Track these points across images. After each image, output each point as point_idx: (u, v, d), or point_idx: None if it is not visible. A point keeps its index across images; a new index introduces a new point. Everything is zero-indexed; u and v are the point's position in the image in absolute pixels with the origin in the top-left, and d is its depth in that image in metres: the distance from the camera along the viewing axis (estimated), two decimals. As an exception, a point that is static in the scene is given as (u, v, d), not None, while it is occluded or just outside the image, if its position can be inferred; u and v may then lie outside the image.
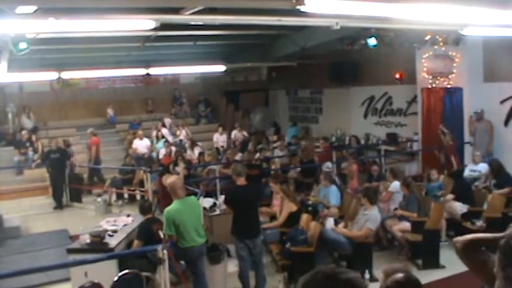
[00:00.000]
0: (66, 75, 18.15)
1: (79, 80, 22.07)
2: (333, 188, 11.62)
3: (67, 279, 8.45)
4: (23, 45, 10.44)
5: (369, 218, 9.49)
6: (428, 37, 14.52)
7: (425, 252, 9.79)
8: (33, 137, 19.63)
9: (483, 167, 12.89)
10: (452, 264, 9.08)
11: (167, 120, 22.23)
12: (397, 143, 17.78)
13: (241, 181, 8.60)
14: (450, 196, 11.44)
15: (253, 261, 8.67)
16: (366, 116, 20.02)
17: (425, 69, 15.64)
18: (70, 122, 22.16)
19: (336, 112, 21.40)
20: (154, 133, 20.54)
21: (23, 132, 19.82)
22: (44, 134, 20.58)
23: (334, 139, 20.15)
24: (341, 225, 10.10)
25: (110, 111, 22.55)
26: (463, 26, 10.62)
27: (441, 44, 14.81)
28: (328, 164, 14.71)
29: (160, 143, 19.54)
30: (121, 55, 18.71)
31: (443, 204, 10.75)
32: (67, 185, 16.56)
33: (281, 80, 23.81)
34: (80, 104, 22.66)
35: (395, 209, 10.77)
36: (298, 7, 6.82)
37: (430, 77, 15.56)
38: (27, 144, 19.27)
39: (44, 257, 10.86)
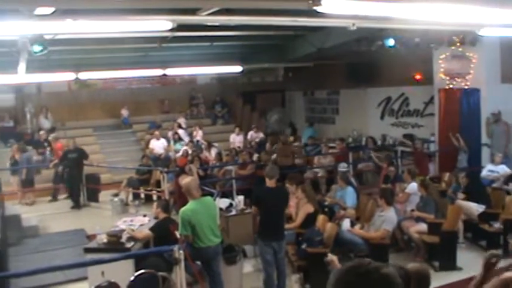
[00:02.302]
0: (84, 75, 18.27)
1: (96, 81, 22.16)
2: (349, 189, 11.58)
3: (84, 278, 8.50)
4: (41, 46, 10.51)
5: (386, 219, 9.47)
6: (445, 38, 14.46)
7: (442, 254, 9.74)
8: (51, 137, 19.74)
9: (502, 169, 12.83)
10: (469, 266, 9.04)
11: (182, 121, 22.28)
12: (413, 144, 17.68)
13: (271, 183, 8.51)
14: (461, 195, 11.41)
15: (276, 264, 8.53)
16: (382, 117, 19.97)
17: (442, 70, 15.58)
18: (87, 122, 22.26)
19: (352, 113, 21.35)
20: (170, 133, 20.58)
21: (41, 132, 19.97)
22: (61, 134, 20.68)
23: (350, 140, 20.08)
24: (357, 226, 10.09)
25: (124, 112, 22.63)
26: (480, 27, 10.57)
27: (458, 44, 14.75)
28: (344, 164, 14.68)
29: (179, 144, 19.59)
30: (138, 56, 18.78)
31: (459, 205, 10.70)
32: (84, 184, 16.64)
33: (298, 80, 23.79)
34: (97, 105, 22.77)
35: (412, 210, 10.72)
36: (314, 8, 6.82)
37: (447, 77, 15.49)
38: (45, 144, 19.39)
39: (61, 256, 10.92)
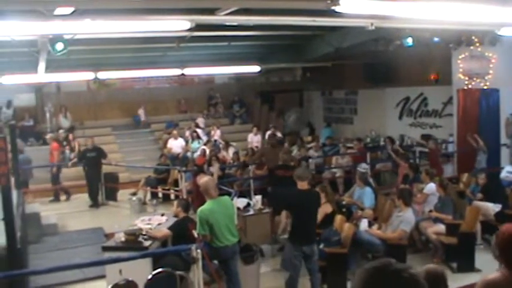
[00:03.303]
0: (103, 75, 18.38)
1: (115, 80, 22.28)
2: (368, 189, 11.54)
3: (102, 277, 8.54)
4: (60, 46, 10.56)
5: (403, 219, 9.43)
6: (464, 38, 14.38)
7: (460, 255, 9.68)
8: (70, 136, 19.88)
9: (522, 170, 12.76)
10: (487, 267, 8.94)
11: (200, 120, 22.35)
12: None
13: (302, 185, 8.31)
14: (479, 195, 11.34)
15: (309, 268, 8.38)
16: (401, 117, 19.90)
17: (461, 70, 15.47)
18: (106, 122, 22.43)
19: (370, 113, 21.29)
20: (187, 133, 20.65)
21: (60, 131, 20.11)
22: (80, 133, 20.83)
23: (368, 140, 20.02)
24: (375, 226, 10.06)
25: (141, 112, 22.73)
26: (499, 26, 10.51)
27: (477, 44, 14.66)
28: (364, 165, 14.63)
29: (197, 143, 19.64)
30: (156, 55, 18.86)
31: (477, 206, 10.64)
32: (103, 183, 16.74)
33: (315, 80, 23.77)
34: (116, 104, 22.91)
35: (430, 211, 10.67)
36: (332, 7, 6.82)
37: (466, 78, 15.39)
38: (64, 143, 19.53)
39: (79, 254, 10.99)
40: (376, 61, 19.10)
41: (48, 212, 14.26)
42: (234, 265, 8.01)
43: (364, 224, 9.93)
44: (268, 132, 21.05)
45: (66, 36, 10.81)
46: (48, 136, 17.77)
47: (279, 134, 21.03)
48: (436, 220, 10.35)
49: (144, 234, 8.73)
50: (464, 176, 13.58)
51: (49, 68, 15.25)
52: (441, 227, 10.13)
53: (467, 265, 9.54)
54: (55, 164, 17.34)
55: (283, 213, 11.08)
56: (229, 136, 21.02)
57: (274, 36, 16.92)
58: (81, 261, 9.67)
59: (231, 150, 18.27)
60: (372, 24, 9.71)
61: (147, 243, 8.52)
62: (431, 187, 11.11)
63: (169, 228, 8.62)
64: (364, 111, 21.95)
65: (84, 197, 16.53)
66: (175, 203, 9.63)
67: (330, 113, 24.14)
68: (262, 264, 9.56)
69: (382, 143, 19.00)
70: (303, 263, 8.27)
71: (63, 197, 17.13)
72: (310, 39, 18.24)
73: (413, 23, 10.90)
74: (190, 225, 8.50)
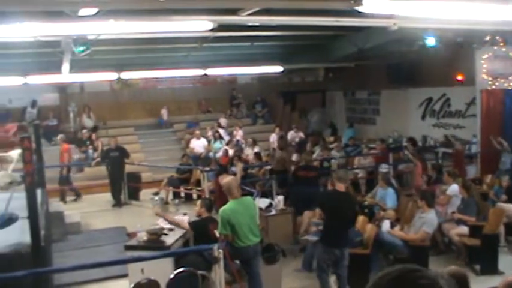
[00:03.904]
0: (126, 75, 18.52)
1: (137, 80, 22.41)
2: (390, 190, 11.51)
3: (124, 275, 8.59)
4: (84, 46, 10.66)
5: (426, 221, 9.38)
6: (488, 37, 14.26)
7: (484, 258, 9.60)
8: (93, 136, 20.05)
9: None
10: (511, 270, 8.90)
11: (223, 121, 22.40)
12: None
13: (339, 187, 8.23)
14: (503, 197, 11.25)
15: (337, 273, 8.33)
16: (423, 117, 19.79)
17: (484, 70, 15.34)
18: (129, 122, 22.55)
19: (393, 113, 21.19)
20: (209, 133, 20.70)
21: (84, 131, 20.31)
22: (103, 133, 20.98)
23: (391, 141, 19.93)
24: (397, 227, 10.01)
25: (164, 112, 22.84)
26: (524, 26, 10.41)
27: (501, 44, 14.53)
28: (384, 165, 14.59)
29: (219, 143, 19.69)
30: (179, 56, 18.92)
31: (500, 208, 10.55)
32: (125, 183, 16.84)
33: (338, 81, 23.71)
34: (139, 104, 23.03)
35: (453, 212, 10.59)
36: (355, 8, 6.81)
37: (490, 78, 15.26)
38: (87, 142, 19.71)
39: (102, 253, 11.06)
40: (399, 61, 19.01)
41: (72, 210, 14.36)
42: (256, 265, 8.01)
43: (386, 225, 9.89)
44: (291, 132, 21.12)
45: (89, 37, 10.92)
46: (59, 137, 17.76)
47: (301, 135, 21.05)
48: (459, 222, 10.28)
49: (164, 234, 8.77)
50: (488, 178, 13.48)
51: (73, 68, 15.38)
52: (464, 229, 10.06)
53: (490, 267, 9.46)
54: (68, 164, 17.42)
55: (306, 213, 11.09)
56: (252, 136, 21.02)
57: (297, 37, 16.91)
58: (104, 260, 9.75)
59: (256, 149, 18.27)
60: (394, 24, 9.68)
61: (168, 242, 8.55)
62: (454, 188, 11.03)
63: (190, 224, 8.62)
64: (386, 111, 21.85)
65: (107, 196, 16.63)
66: (198, 202, 9.61)
67: (352, 113, 24.07)
68: (284, 265, 9.56)
69: (404, 144, 18.90)
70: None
71: (69, 198, 17.08)
72: (333, 40, 18.20)
73: (437, 23, 10.83)
74: (211, 225, 8.52)
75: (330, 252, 8.04)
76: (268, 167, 15.58)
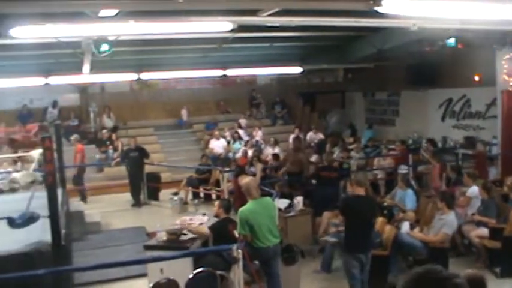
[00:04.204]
0: (145, 76, 18.60)
1: (157, 81, 22.50)
2: (409, 191, 11.46)
3: (144, 275, 8.62)
4: (104, 47, 10.72)
5: (446, 222, 9.32)
6: (508, 38, 14.16)
7: (504, 260, 9.49)
8: (113, 136, 20.17)
9: None
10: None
11: (243, 121, 22.44)
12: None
13: (359, 191, 8.10)
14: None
15: (361, 279, 8.08)
16: (443, 118, 19.68)
17: (505, 71, 15.21)
18: (148, 122, 22.66)
19: (413, 114, 21.11)
20: (227, 133, 20.74)
21: (104, 131, 20.44)
22: (123, 133, 21.10)
23: (410, 142, 19.84)
24: (417, 229, 9.96)
25: (184, 113, 22.91)
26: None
27: (523, 45, 14.42)
28: (403, 166, 14.52)
29: (238, 144, 19.72)
30: (198, 56, 18.97)
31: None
32: (145, 183, 16.92)
33: (357, 81, 23.65)
34: (158, 104, 23.13)
35: (473, 214, 10.52)
36: (375, 8, 6.79)
37: (511, 79, 15.13)
38: (108, 142, 19.83)
39: (122, 253, 11.12)
40: (419, 62, 18.91)
41: (92, 210, 14.45)
42: (275, 266, 8.01)
43: (405, 226, 9.85)
44: (310, 133, 21.09)
45: (110, 38, 10.98)
46: (73, 137, 17.82)
47: (320, 135, 21.01)
48: (479, 224, 10.19)
49: (184, 233, 8.80)
50: (509, 179, 13.34)
51: (93, 69, 15.47)
52: (484, 231, 9.97)
53: (510, 270, 9.36)
54: (85, 164, 17.51)
55: (325, 214, 11.07)
56: (271, 137, 21.01)
57: (316, 37, 16.88)
58: (124, 259, 9.81)
59: (277, 149, 18.27)
60: (414, 24, 9.64)
61: (187, 241, 8.58)
62: (474, 190, 10.95)
63: (210, 227, 8.66)
64: (406, 112, 21.77)
65: (127, 196, 16.71)
66: (216, 203, 9.63)
67: (372, 114, 24.01)
68: (303, 266, 9.56)
69: (424, 145, 18.81)
70: None
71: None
72: (352, 40, 18.15)
73: (457, 24, 10.76)
74: (231, 226, 8.53)
75: (356, 258, 7.87)
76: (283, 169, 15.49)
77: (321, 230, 10.96)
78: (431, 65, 18.74)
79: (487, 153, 16.17)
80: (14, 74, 16.98)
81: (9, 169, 15.92)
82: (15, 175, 10.70)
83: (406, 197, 11.29)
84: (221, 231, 8.48)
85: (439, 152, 17.21)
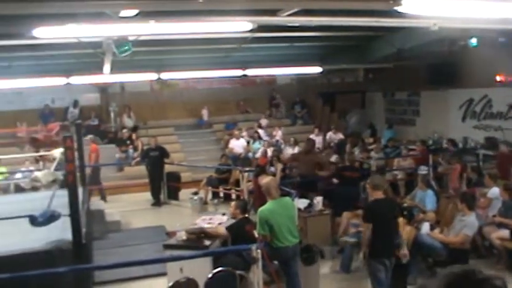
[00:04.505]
0: (165, 76, 18.67)
1: (177, 81, 22.56)
2: (430, 192, 11.39)
3: (163, 274, 8.64)
4: (125, 47, 10.79)
5: (466, 224, 9.25)
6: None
7: (526, 262, 9.45)
8: (134, 136, 20.27)
9: None
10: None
11: (263, 121, 22.45)
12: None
13: (378, 194, 7.87)
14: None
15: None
16: (464, 119, 19.56)
17: (527, 70, 15.11)
18: (169, 122, 22.72)
19: (433, 115, 20.98)
20: (244, 133, 20.74)
21: (124, 130, 20.56)
22: (143, 133, 21.19)
23: (431, 142, 19.73)
24: (437, 230, 9.91)
25: (205, 112, 22.97)
26: None
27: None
28: (423, 167, 14.45)
29: (257, 144, 19.73)
30: (218, 56, 19.01)
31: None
32: (165, 182, 16.98)
33: (378, 81, 23.56)
34: (179, 104, 23.18)
35: (494, 215, 10.44)
36: (395, 8, 6.78)
37: (534, 79, 15.03)
38: (128, 142, 19.93)
39: (141, 251, 11.14)
40: (440, 62, 18.81)
41: (112, 209, 14.53)
42: (294, 266, 8.00)
43: (425, 227, 9.80)
44: (330, 133, 21.04)
45: (130, 38, 11.05)
46: (88, 137, 17.83)
47: (340, 135, 20.96)
48: (500, 225, 10.12)
49: (202, 233, 8.82)
50: (531, 180, 13.26)
51: (114, 69, 15.56)
52: (505, 233, 9.89)
53: (532, 272, 9.30)
54: (97, 164, 17.55)
55: (345, 214, 11.05)
56: (291, 137, 20.99)
57: (336, 37, 16.87)
58: (143, 258, 9.86)
59: (297, 149, 18.27)
60: (435, 24, 9.59)
61: (207, 242, 8.61)
62: (495, 191, 10.86)
63: (227, 228, 8.68)
64: (426, 112, 21.65)
65: (147, 195, 16.78)
66: (232, 204, 9.65)
67: (392, 114, 23.90)
68: (322, 266, 9.55)
69: (444, 145, 18.69)
70: None
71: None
72: (372, 40, 18.11)
73: (478, 23, 10.68)
74: (248, 226, 8.55)
75: (381, 262, 7.69)
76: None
77: (340, 230, 10.94)
78: (452, 64, 18.64)
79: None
80: (36, 74, 17.16)
81: (31, 168, 16.10)
82: (37, 174, 10.81)
83: (426, 198, 11.22)
84: (238, 231, 8.50)
85: (460, 152, 17.10)
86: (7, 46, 14.07)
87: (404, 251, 7.93)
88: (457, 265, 2.09)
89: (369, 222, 7.69)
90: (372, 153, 17.65)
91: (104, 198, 16.85)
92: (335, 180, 13.57)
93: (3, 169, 17.53)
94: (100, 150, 17.78)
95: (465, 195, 10.00)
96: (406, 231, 9.18)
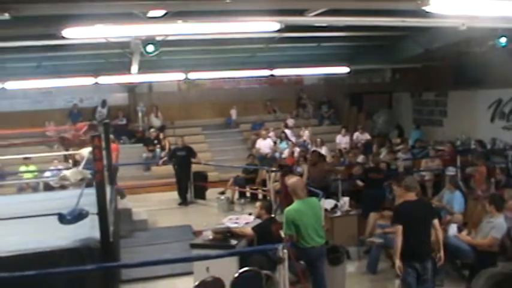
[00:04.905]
0: (193, 76, 18.74)
1: (204, 81, 22.63)
2: (457, 193, 11.28)
3: (189, 273, 8.66)
4: (152, 47, 10.85)
5: (495, 226, 9.14)
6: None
7: (555, 265, 9.32)
8: (161, 135, 20.39)
9: None
10: None
11: (290, 121, 22.44)
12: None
13: (410, 196, 7.65)
14: None
15: None
16: (492, 119, 19.34)
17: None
18: (196, 121, 22.82)
19: (461, 115, 20.77)
20: (271, 133, 20.74)
21: (151, 130, 20.68)
22: (170, 133, 21.30)
23: (459, 143, 19.56)
24: (464, 232, 9.82)
25: (233, 113, 23.03)
26: None
27: None
28: (451, 168, 14.34)
29: (284, 144, 19.73)
30: (245, 56, 19.04)
31: None
32: (192, 182, 17.04)
33: (405, 82, 23.43)
34: (206, 104, 23.26)
35: (523, 217, 10.31)
36: (423, 7, 6.74)
37: None
38: (155, 142, 20.05)
39: (168, 250, 11.21)
40: (468, 62, 18.63)
41: (139, 208, 14.62)
42: (320, 266, 7.99)
43: (453, 229, 9.71)
44: (357, 134, 20.96)
45: (158, 38, 11.11)
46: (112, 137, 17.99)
47: (366, 136, 20.88)
48: (530, 227, 9.99)
49: (229, 233, 8.85)
50: (562, 182, 13.10)
51: (141, 69, 15.68)
52: (535, 235, 9.78)
53: (561, 274, 9.16)
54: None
55: (371, 215, 11.01)
56: (318, 137, 20.94)
57: (364, 37, 16.80)
58: (170, 257, 9.92)
59: (323, 150, 18.24)
60: (463, 24, 9.52)
61: (234, 241, 8.63)
62: (524, 193, 10.74)
63: (253, 228, 8.70)
64: (454, 113, 21.44)
65: (174, 194, 16.86)
66: (257, 204, 9.65)
67: (419, 115, 23.72)
68: (348, 266, 9.53)
69: (472, 146, 18.51)
70: None
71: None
72: (399, 40, 18.00)
73: (507, 22, 10.57)
74: (273, 226, 8.56)
75: (411, 266, 7.45)
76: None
77: (367, 231, 10.90)
78: (481, 64, 18.43)
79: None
80: (64, 74, 17.35)
81: (60, 166, 16.27)
82: (65, 172, 10.87)
83: (454, 199, 11.12)
84: (264, 231, 8.53)
85: (488, 153, 16.94)
86: (36, 46, 14.26)
87: (441, 254, 7.81)
88: (502, 264, 2.08)
89: (398, 224, 7.52)
90: (399, 154, 17.54)
91: (122, 195, 16.94)
92: (360, 183, 13.54)
93: (33, 168, 17.78)
94: (126, 150, 17.91)
95: (494, 196, 9.87)
96: (433, 232, 9.11)
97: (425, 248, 7.55)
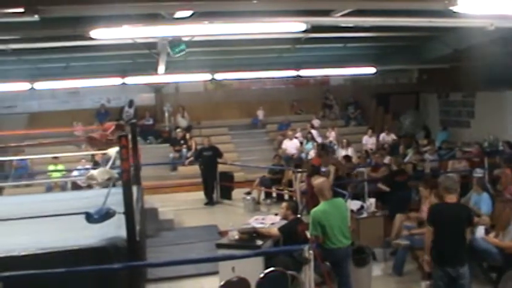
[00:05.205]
0: (219, 76, 18.80)
1: (231, 81, 22.68)
2: (485, 195, 11.17)
3: (215, 273, 8.69)
4: (179, 48, 10.90)
5: (523, 228, 9.06)
6: None
7: None
8: (187, 135, 20.48)
9: None
10: None
11: (316, 122, 22.39)
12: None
13: (450, 198, 7.30)
14: None
15: None
16: (521, 120, 19.16)
17: None
18: (222, 122, 22.89)
19: (489, 116, 20.56)
20: (298, 134, 20.73)
21: (178, 130, 20.77)
22: (197, 133, 21.39)
23: (486, 144, 19.35)
24: (492, 234, 9.72)
25: (260, 113, 23.06)
26: None
27: None
28: (478, 169, 14.20)
29: (310, 144, 19.70)
30: (272, 57, 19.05)
31: None
32: (218, 182, 17.09)
33: (432, 82, 23.26)
34: (233, 104, 23.32)
35: (552, 220, 10.18)
36: (450, 7, 6.69)
37: None
38: (182, 142, 20.14)
39: (194, 250, 11.26)
40: (496, 62, 18.42)
41: (166, 208, 14.69)
42: (346, 267, 7.98)
43: (480, 231, 9.62)
44: (383, 134, 20.86)
45: (184, 38, 11.16)
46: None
47: (393, 137, 20.78)
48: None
49: (255, 233, 8.86)
50: None
51: (168, 69, 15.76)
52: None
53: None
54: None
55: (397, 216, 10.95)
56: (344, 138, 20.87)
57: (390, 38, 16.72)
58: (196, 257, 9.97)
59: (349, 151, 18.16)
60: (491, 24, 9.42)
61: (259, 242, 8.64)
62: (551, 195, 10.62)
63: (279, 229, 8.70)
64: (481, 114, 21.24)
65: (200, 194, 16.92)
66: (283, 205, 9.62)
67: (446, 116, 23.54)
68: (374, 268, 9.48)
69: (500, 148, 18.30)
70: None
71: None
72: (427, 41, 17.89)
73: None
74: (299, 226, 8.56)
75: (442, 270, 7.21)
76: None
77: (393, 232, 10.84)
78: (509, 65, 18.24)
79: None
80: (92, 74, 17.52)
81: (87, 166, 16.42)
82: (93, 172, 10.97)
83: (481, 201, 11.02)
84: (290, 232, 8.53)
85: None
86: (65, 47, 14.41)
87: None
88: None
89: (430, 225, 7.35)
90: (426, 155, 17.41)
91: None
92: (382, 187, 13.45)
93: (61, 167, 17.97)
94: (153, 150, 18.04)
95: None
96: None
97: (458, 253, 7.24)
